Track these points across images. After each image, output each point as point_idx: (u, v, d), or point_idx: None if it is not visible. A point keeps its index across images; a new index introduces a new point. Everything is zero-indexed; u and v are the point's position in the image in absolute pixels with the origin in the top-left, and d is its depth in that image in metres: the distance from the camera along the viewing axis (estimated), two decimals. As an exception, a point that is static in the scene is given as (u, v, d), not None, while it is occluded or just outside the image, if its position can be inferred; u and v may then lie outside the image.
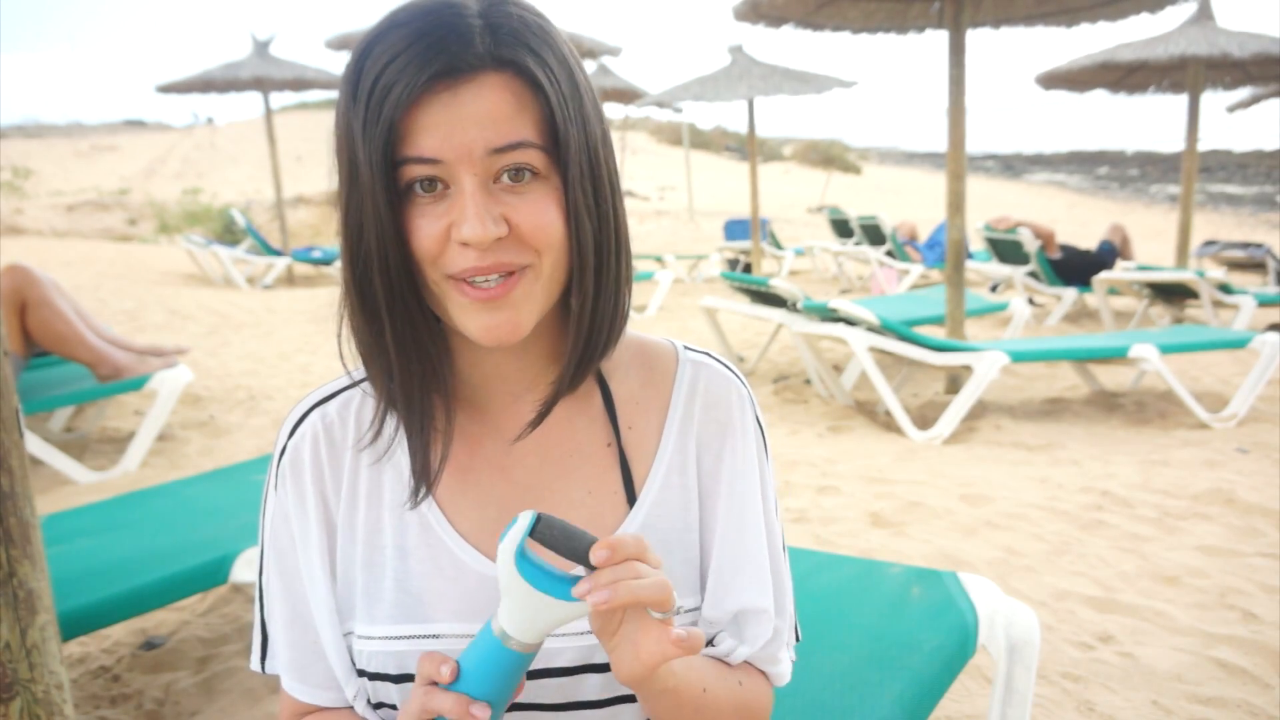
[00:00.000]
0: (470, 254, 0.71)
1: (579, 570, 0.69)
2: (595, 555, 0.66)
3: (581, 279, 0.76)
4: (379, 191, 0.70)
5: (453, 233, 0.71)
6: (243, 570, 2.01)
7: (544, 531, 0.67)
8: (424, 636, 0.80)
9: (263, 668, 0.87)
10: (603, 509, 0.83)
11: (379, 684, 0.82)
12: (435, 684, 0.70)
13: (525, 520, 0.68)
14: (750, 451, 0.87)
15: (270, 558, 0.85)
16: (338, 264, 0.82)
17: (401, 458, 0.83)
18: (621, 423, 0.86)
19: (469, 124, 0.69)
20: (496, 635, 0.70)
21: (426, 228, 0.72)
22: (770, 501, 0.89)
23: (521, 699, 0.80)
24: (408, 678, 0.81)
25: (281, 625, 0.85)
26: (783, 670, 0.89)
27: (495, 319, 0.73)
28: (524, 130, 0.71)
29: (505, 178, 0.72)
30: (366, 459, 0.84)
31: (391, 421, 0.83)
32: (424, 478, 0.81)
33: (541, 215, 0.72)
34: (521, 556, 0.68)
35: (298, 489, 0.83)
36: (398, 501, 0.83)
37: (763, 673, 0.88)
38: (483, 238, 0.69)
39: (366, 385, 0.85)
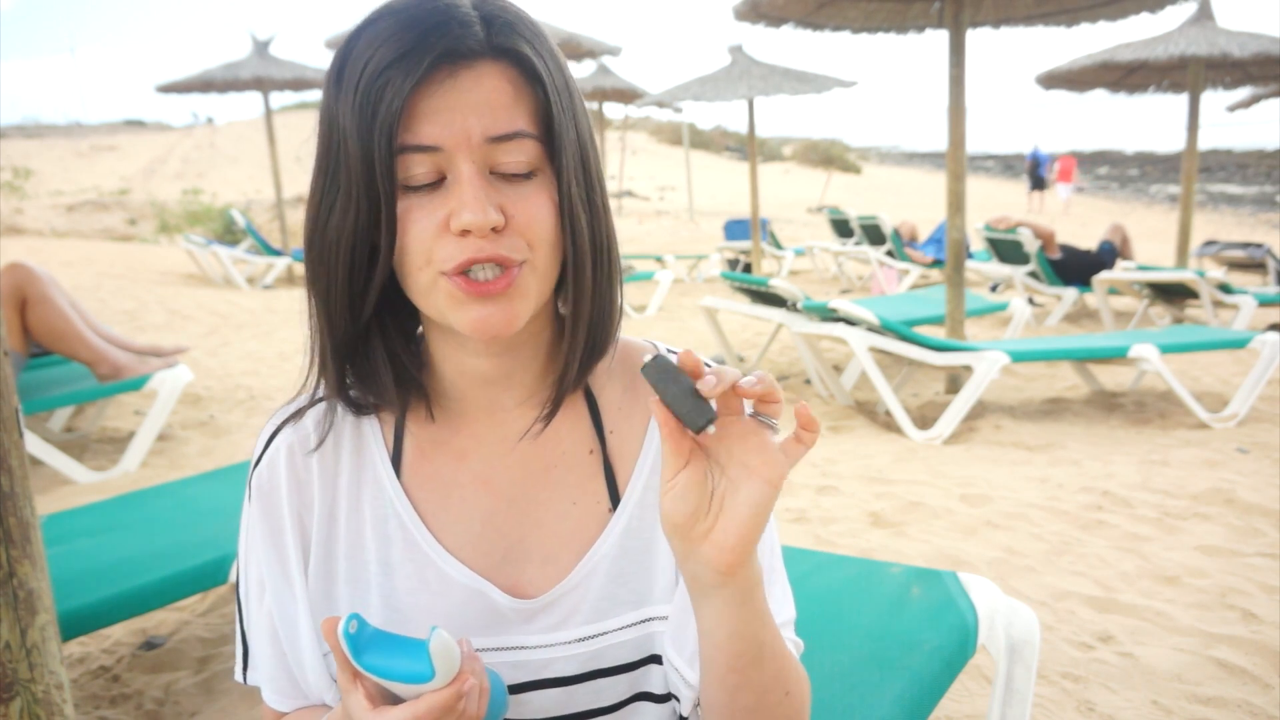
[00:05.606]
0: (468, 244, 0.69)
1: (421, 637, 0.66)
2: (704, 386, 0.65)
3: (579, 273, 0.75)
4: (370, 183, 0.69)
5: (451, 222, 0.69)
6: (243, 570, 2.01)
7: (653, 376, 0.66)
8: None
9: (244, 679, 0.86)
10: (587, 519, 0.82)
11: None
12: None
13: (341, 627, 0.65)
14: None
15: (248, 571, 0.83)
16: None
17: (381, 468, 0.82)
18: (606, 428, 0.84)
19: (468, 111, 0.69)
20: None
21: (423, 220, 0.70)
22: None
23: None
24: None
25: (262, 637, 0.83)
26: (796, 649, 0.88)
27: (489, 310, 0.71)
28: (521, 120, 0.70)
29: (501, 173, 0.71)
30: (345, 473, 0.82)
31: (373, 430, 0.83)
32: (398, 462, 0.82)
33: (537, 208, 0.72)
34: (361, 654, 0.66)
35: (272, 505, 0.81)
36: (378, 516, 0.81)
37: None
38: (483, 222, 0.68)
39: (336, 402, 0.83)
